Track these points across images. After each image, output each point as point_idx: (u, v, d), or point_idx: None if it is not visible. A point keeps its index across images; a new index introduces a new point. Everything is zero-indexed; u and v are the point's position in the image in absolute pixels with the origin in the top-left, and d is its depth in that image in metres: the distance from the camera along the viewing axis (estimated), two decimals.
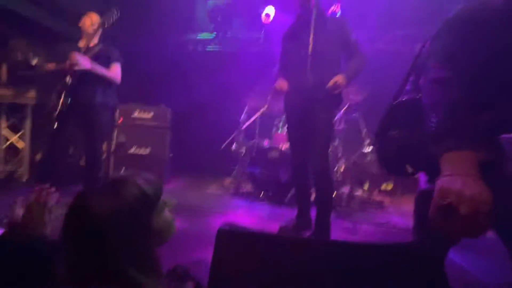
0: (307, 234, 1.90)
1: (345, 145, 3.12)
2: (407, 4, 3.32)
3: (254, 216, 2.42)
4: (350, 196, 2.85)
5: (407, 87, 0.89)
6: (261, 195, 2.86)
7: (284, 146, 2.79)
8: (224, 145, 3.35)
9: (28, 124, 3.14)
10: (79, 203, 0.59)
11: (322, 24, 1.80)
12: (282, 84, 1.86)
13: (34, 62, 1.98)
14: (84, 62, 1.98)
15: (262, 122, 3.26)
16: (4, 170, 2.93)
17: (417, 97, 0.78)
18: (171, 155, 3.44)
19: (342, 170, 2.96)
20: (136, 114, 3.38)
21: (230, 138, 3.34)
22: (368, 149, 3.00)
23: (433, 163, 0.60)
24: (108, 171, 3.21)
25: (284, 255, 1.17)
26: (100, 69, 2.09)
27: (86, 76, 2.04)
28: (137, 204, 0.58)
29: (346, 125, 3.11)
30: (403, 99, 0.87)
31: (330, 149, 2.00)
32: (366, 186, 3.16)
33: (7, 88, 2.85)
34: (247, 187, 3.11)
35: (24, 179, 3.04)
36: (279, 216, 2.38)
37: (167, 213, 0.68)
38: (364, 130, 3.06)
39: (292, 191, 2.63)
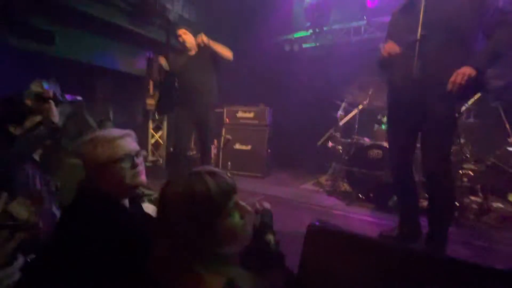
0: (413, 244, 1.63)
1: (477, 143, 2.47)
2: None
3: (350, 217, 2.27)
4: (484, 207, 2.24)
5: None
6: (359, 196, 2.64)
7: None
8: (321, 141, 3.27)
9: (165, 125, 4.11)
10: (161, 191, 0.64)
11: None
12: (392, 45, 1.53)
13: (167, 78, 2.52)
14: (206, 40, 2.29)
15: (362, 117, 2.99)
16: (151, 160, 3.91)
17: None
18: (269, 151, 3.65)
19: (470, 174, 2.36)
20: (239, 113, 3.79)
21: (327, 135, 3.24)
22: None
23: None
24: (218, 163, 3.73)
25: (380, 262, 1.05)
26: (215, 46, 2.32)
27: (195, 79, 2.38)
28: (201, 201, 0.60)
29: (479, 118, 2.46)
30: None
31: (450, 148, 1.62)
32: (510, 197, 2.40)
33: (152, 99, 3.78)
34: (345, 186, 2.93)
35: (163, 167, 3.95)
36: (379, 221, 2.15)
37: (236, 219, 0.64)
38: (507, 125, 2.33)
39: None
